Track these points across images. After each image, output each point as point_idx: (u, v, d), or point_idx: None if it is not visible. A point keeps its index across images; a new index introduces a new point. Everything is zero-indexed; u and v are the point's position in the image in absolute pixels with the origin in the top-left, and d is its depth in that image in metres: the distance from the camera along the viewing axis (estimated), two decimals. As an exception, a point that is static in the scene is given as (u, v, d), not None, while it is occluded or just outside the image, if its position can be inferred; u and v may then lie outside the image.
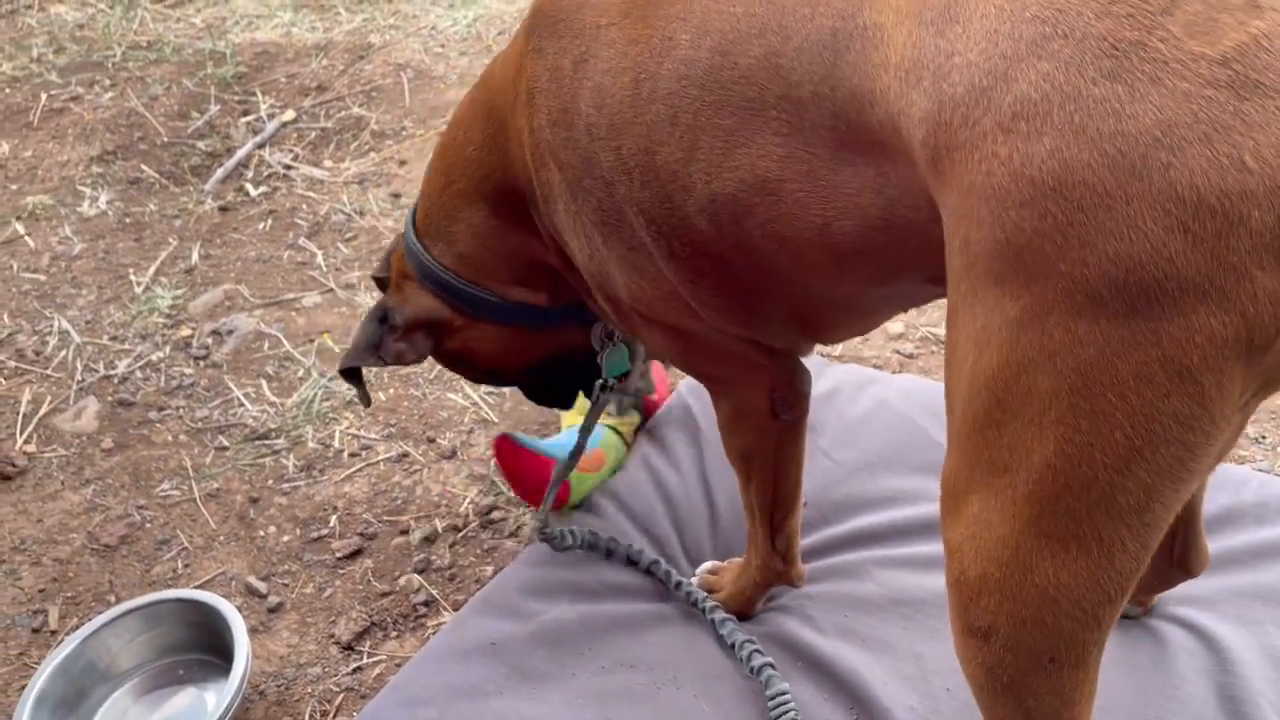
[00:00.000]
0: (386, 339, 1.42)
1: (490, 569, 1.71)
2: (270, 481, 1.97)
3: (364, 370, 1.47)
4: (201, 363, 2.29)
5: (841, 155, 0.91)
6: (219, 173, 3.00)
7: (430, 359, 1.51)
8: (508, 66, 1.25)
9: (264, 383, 2.21)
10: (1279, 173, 0.68)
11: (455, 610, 1.63)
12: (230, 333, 2.36)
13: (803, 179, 0.95)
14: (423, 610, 1.67)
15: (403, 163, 2.96)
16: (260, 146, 3.10)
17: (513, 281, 1.39)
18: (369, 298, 2.42)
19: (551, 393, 1.58)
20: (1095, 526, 0.78)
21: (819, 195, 0.94)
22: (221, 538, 1.86)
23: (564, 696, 1.38)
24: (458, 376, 2.16)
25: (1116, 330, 0.72)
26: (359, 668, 1.60)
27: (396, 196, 2.80)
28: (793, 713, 1.28)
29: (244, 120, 3.26)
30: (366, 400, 1.47)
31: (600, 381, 1.48)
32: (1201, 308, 0.70)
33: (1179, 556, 1.25)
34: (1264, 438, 1.74)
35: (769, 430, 1.28)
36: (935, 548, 1.51)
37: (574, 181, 1.15)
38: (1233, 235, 0.68)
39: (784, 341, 1.25)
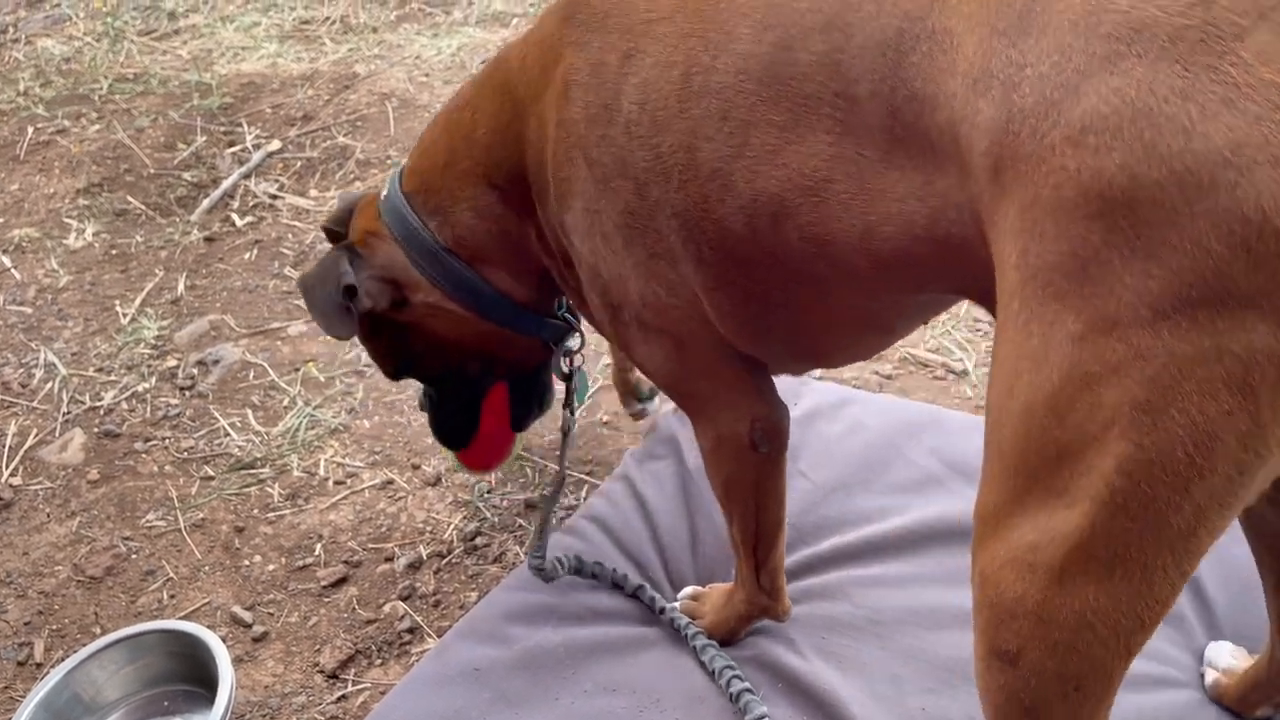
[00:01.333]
0: (361, 278, 1.38)
1: (474, 595, 1.72)
2: (255, 511, 1.98)
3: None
4: (187, 393, 2.30)
5: (892, 159, 0.92)
6: (205, 203, 3.02)
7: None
8: (535, 55, 1.22)
9: (249, 412, 2.22)
10: None
11: (440, 637, 1.64)
12: (216, 363, 2.37)
13: (849, 180, 0.95)
14: (407, 637, 1.68)
15: (387, 191, 2.98)
16: (246, 177, 3.12)
17: (505, 270, 1.37)
18: (354, 326, 2.43)
19: (459, 420, 1.56)
20: (1143, 551, 0.77)
21: (864, 198, 0.94)
22: (207, 568, 1.87)
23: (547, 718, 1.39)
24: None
25: (1181, 345, 0.72)
26: (344, 696, 1.60)
27: (381, 225, 2.82)
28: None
29: (230, 151, 3.29)
30: (347, 331, 1.40)
31: (566, 407, 1.53)
32: (1261, 326, 0.71)
33: None
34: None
35: (748, 461, 1.28)
36: (911, 566, 1.53)
37: (602, 180, 1.13)
38: None
39: (782, 364, 1.25)
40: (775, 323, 1.13)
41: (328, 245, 2.75)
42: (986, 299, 0.91)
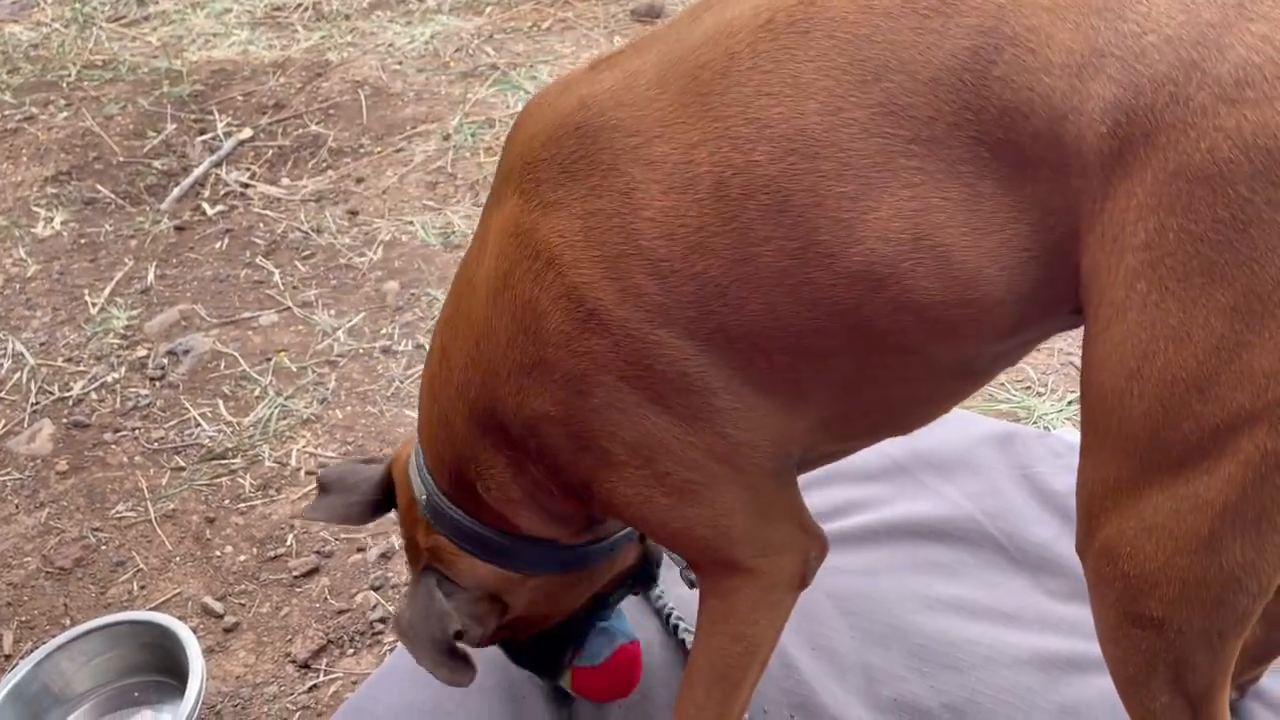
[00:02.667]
0: (462, 615, 1.16)
1: (447, 585, 1.72)
2: (226, 501, 1.97)
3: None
4: (157, 383, 2.28)
5: (980, 190, 0.85)
6: (175, 192, 2.99)
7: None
8: (491, 248, 1.04)
9: (220, 402, 2.21)
10: None
11: (412, 627, 1.64)
12: (186, 353, 2.35)
13: (941, 230, 0.86)
14: (380, 627, 1.68)
15: (360, 180, 2.96)
16: (217, 165, 3.10)
17: (556, 519, 1.16)
18: (326, 315, 2.42)
19: (551, 649, 1.32)
20: None
21: (961, 244, 0.86)
22: (178, 558, 1.86)
23: (522, 710, 1.40)
24: (416, 394, 2.17)
25: None
26: (315, 686, 1.60)
27: (354, 214, 2.81)
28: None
29: (200, 139, 3.26)
30: (466, 679, 1.14)
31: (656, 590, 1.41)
32: None
33: None
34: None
35: (786, 608, 1.11)
36: (881, 556, 1.54)
37: (638, 338, 0.96)
38: None
39: (865, 442, 1.15)
40: (857, 406, 1.02)
41: (298, 236, 2.75)
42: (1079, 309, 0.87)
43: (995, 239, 0.85)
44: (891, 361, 0.95)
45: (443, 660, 1.13)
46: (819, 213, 0.88)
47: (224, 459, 2.06)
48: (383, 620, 1.68)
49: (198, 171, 3.06)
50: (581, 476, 1.07)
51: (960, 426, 1.73)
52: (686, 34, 0.95)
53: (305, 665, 1.63)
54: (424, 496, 1.18)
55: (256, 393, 2.22)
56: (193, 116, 3.39)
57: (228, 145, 3.17)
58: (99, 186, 3.06)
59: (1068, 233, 0.83)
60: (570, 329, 0.98)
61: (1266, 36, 0.72)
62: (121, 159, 3.19)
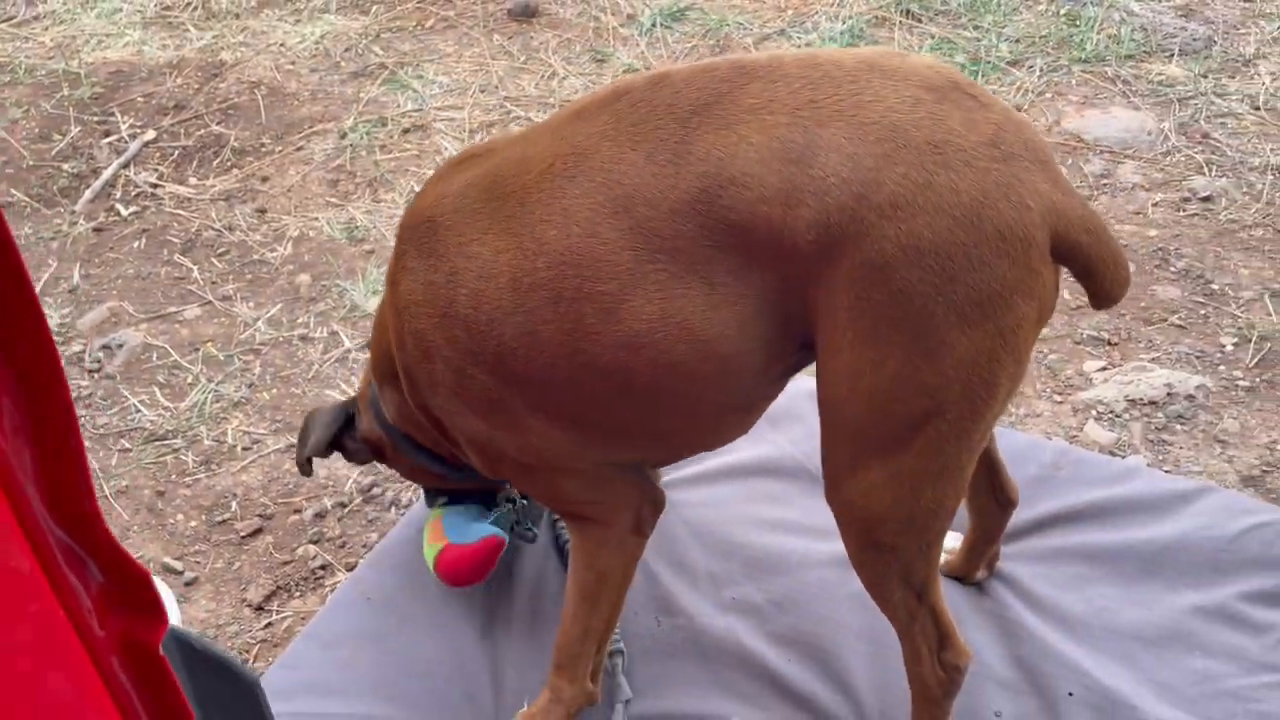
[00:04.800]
0: (346, 439, 1.68)
1: (375, 535, 2.06)
2: (173, 476, 2.27)
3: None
4: (96, 375, 2.55)
5: (714, 280, 1.16)
6: (87, 194, 3.21)
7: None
8: (390, 283, 1.44)
9: (156, 390, 2.49)
10: (1046, 204, 1.11)
11: (349, 570, 1.98)
12: (120, 346, 2.62)
13: (685, 311, 1.17)
14: (321, 573, 2.02)
15: (265, 179, 3.23)
16: (125, 166, 3.32)
17: (429, 440, 1.58)
18: (245, 308, 2.71)
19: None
20: (959, 460, 1.20)
21: (700, 318, 1.17)
22: (135, 527, 2.15)
23: (449, 633, 1.75)
24: (336, 377, 2.49)
25: (976, 333, 1.12)
26: (270, 624, 1.93)
27: (262, 212, 3.08)
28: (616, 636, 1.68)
29: (106, 141, 3.46)
30: (308, 470, 1.69)
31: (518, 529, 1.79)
32: (1020, 302, 1.13)
33: (1000, 495, 1.60)
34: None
35: (629, 548, 1.46)
36: (729, 490, 1.94)
37: (459, 371, 1.33)
38: (1031, 250, 1.11)
39: (655, 459, 1.51)
40: (645, 434, 1.38)
41: (212, 234, 3.01)
42: (811, 348, 1.25)
43: (730, 311, 1.18)
44: (666, 403, 1.29)
45: (302, 454, 1.66)
46: (585, 303, 1.21)
47: (166, 440, 2.35)
48: (323, 568, 2.02)
49: (107, 173, 3.28)
50: (450, 441, 1.51)
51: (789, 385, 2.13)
52: (509, 160, 1.29)
53: (260, 607, 1.96)
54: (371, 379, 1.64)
55: (189, 380, 2.51)
56: (95, 118, 3.58)
57: (133, 147, 3.39)
58: (13, 190, 3.26)
59: (795, 299, 1.19)
60: (418, 355, 1.39)
61: (905, 175, 1.09)
62: (31, 162, 3.39)
